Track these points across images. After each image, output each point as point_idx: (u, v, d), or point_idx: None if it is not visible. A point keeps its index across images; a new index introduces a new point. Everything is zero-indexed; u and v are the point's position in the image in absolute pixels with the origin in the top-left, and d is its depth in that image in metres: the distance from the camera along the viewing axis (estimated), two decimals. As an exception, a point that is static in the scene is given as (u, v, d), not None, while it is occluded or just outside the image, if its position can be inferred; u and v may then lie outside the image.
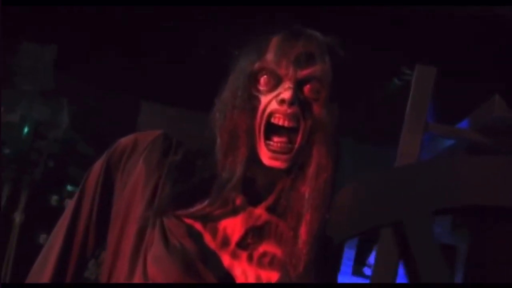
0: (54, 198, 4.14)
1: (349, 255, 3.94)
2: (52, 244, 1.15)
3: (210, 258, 1.05)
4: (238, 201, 1.09)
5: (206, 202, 1.07)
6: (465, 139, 2.41)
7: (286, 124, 1.07)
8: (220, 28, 3.06)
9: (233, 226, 1.08)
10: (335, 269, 1.21)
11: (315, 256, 1.05)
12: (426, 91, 2.26)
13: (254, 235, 1.08)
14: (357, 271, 4.03)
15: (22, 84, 4.06)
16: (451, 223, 3.57)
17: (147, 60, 3.82)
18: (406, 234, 1.73)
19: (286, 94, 1.06)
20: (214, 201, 1.07)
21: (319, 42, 1.10)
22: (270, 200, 1.10)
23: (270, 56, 1.09)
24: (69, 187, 4.20)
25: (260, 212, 1.10)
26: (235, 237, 1.07)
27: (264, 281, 1.05)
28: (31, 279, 1.14)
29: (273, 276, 1.05)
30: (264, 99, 1.09)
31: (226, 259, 1.06)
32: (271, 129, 1.08)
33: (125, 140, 1.16)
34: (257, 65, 1.10)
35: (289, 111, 1.06)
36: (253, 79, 1.10)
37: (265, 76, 1.09)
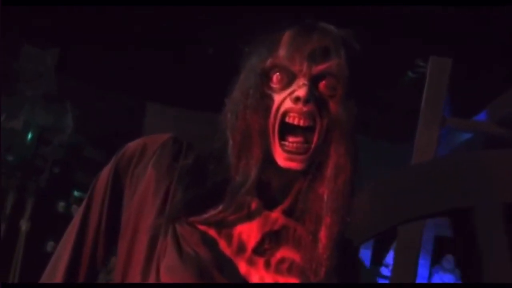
0: (61, 205, 4.14)
1: (365, 255, 3.91)
2: (61, 255, 1.13)
3: (225, 266, 1.02)
4: (253, 205, 1.07)
5: (220, 208, 1.04)
6: (484, 132, 2.38)
7: (301, 123, 1.04)
8: (228, 24, 3.04)
9: (249, 232, 1.05)
10: (357, 273, 1.18)
11: (336, 261, 1.02)
12: (442, 83, 2.23)
13: (271, 240, 1.06)
14: (374, 272, 4.00)
15: (25, 89, 4.06)
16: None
17: (151, 60, 3.81)
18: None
19: (301, 92, 1.03)
20: (228, 206, 1.04)
21: (334, 36, 1.07)
22: (286, 203, 1.08)
23: (282, 52, 1.06)
24: (76, 193, 4.20)
25: (276, 216, 1.07)
26: (251, 243, 1.05)
27: None
28: None
29: None
30: (277, 98, 1.06)
31: (242, 266, 1.03)
32: (286, 129, 1.05)
33: (133, 145, 1.14)
34: (269, 62, 1.07)
35: (304, 109, 1.03)
36: (265, 76, 1.07)
37: (277, 73, 1.07)
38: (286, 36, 1.07)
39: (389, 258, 4.06)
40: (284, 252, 1.06)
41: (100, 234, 1.13)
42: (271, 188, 1.08)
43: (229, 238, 1.05)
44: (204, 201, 1.05)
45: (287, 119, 1.05)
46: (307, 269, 1.02)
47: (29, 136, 3.96)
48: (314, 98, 1.04)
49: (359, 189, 1.33)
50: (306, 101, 1.03)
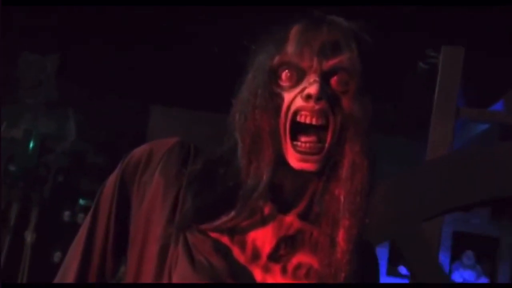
0: (67, 214, 4.15)
1: (381, 254, 3.88)
2: (68, 267, 1.12)
3: (240, 274, 1.00)
4: (267, 209, 1.04)
5: (232, 213, 1.02)
6: (500, 122, 2.35)
7: (314, 122, 1.02)
8: (233, 22, 3.03)
9: (263, 237, 1.03)
10: (377, 277, 1.16)
11: (356, 265, 1.00)
12: (455, 73, 2.20)
13: (286, 245, 1.04)
14: (391, 271, 3.98)
15: (25, 97, 4.07)
16: (489, 213, 3.52)
17: (153, 61, 3.81)
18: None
19: (312, 89, 1.00)
20: (240, 211, 1.02)
21: (344, 29, 1.05)
22: (301, 206, 1.05)
23: (290, 48, 1.04)
24: (81, 201, 4.20)
25: (291, 220, 1.05)
26: (266, 249, 1.03)
27: None
28: None
29: None
30: (287, 96, 1.04)
31: (258, 274, 1.01)
32: (298, 129, 1.03)
33: (139, 151, 1.12)
34: (276, 59, 1.04)
35: (316, 107, 1.01)
36: (274, 74, 1.05)
37: (286, 71, 1.04)
38: (294, 31, 1.05)
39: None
40: (301, 258, 1.04)
41: (108, 245, 1.11)
42: (285, 191, 1.06)
43: (242, 245, 1.03)
44: (215, 208, 1.03)
45: (298, 118, 1.02)
46: (326, 275, 1.00)
47: (31, 145, 3.96)
48: (326, 95, 1.01)
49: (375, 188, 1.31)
50: (318, 98, 1.00)
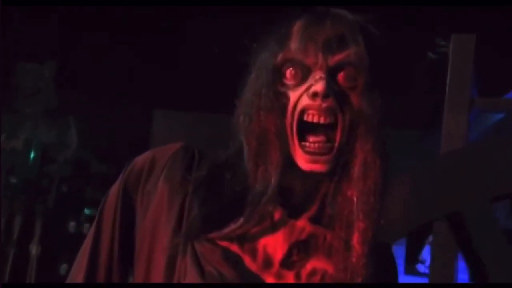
0: (72, 225, 4.15)
1: (398, 253, 3.86)
2: (73, 280, 1.11)
3: (252, 283, 0.99)
4: (277, 214, 1.03)
5: (240, 220, 1.01)
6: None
7: (321, 120, 1.00)
8: (233, 22, 3.01)
9: (274, 244, 1.02)
10: (395, 279, 1.15)
11: (372, 269, 0.98)
12: (467, 62, 2.18)
13: (299, 251, 1.02)
14: (410, 270, 3.95)
15: (24, 106, 4.07)
16: (509, 207, 3.49)
17: (153, 64, 3.80)
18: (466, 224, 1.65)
19: (318, 86, 0.99)
20: (249, 218, 1.01)
21: (349, 22, 1.03)
22: (313, 209, 1.04)
23: (294, 45, 1.02)
24: (86, 211, 4.21)
25: (303, 224, 1.04)
26: (278, 255, 1.02)
27: None
28: None
29: None
30: (293, 95, 1.02)
31: (270, 282, 1.00)
32: (305, 128, 1.01)
33: (141, 159, 1.11)
34: (280, 57, 1.03)
35: (323, 105, 0.99)
36: (278, 73, 1.03)
37: (291, 68, 1.03)
38: (297, 27, 1.04)
39: (425, 253, 4.02)
40: (315, 263, 1.02)
41: (114, 258, 1.10)
42: (295, 194, 1.04)
43: (253, 253, 1.01)
44: (223, 215, 1.02)
45: (305, 118, 1.01)
46: (342, 280, 0.99)
47: (32, 155, 3.96)
48: (333, 92, 1.00)
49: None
50: (325, 96, 0.99)
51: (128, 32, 3.64)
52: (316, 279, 1.01)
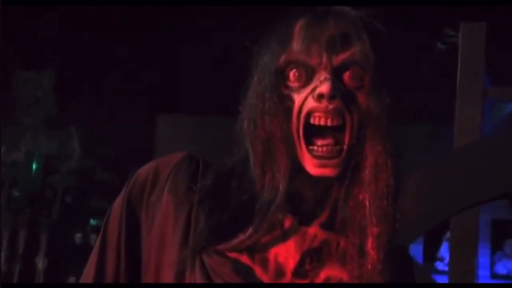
0: (78, 236, 4.16)
1: (416, 251, 3.84)
2: None
3: None
4: (287, 222, 1.02)
5: (249, 230, 1.00)
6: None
7: (329, 123, 0.99)
8: (233, 24, 3.01)
9: (286, 253, 1.01)
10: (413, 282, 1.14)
11: (389, 275, 0.97)
12: (477, 51, 2.16)
13: (312, 259, 1.01)
14: (428, 267, 3.93)
15: (23, 117, 4.08)
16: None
17: (155, 69, 3.80)
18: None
19: (324, 87, 0.98)
20: (258, 227, 1.00)
21: (353, 19, 1.02)
22: (324, 215, 1.03)
23: (296, 45, 1.01)
24: (92, 221, 4.21)
25: (314, 231, 1.02)
26: (290, 265, 1.00)
27: None
28: None
29: None
30: (297, 98, 1.01)
31: None
32: (312, 131, 1.00)
33: (145, 170, 1.10)
34: (282, 59, 1.02)
35: (330, 107, 0.98)
36: (281, 75, 1.02)
37: (294, 70, 1.01)
38: (299, 27, 1.02)
39: (444, 250, 3.99)
40: (329, 271, 1.01)
41: (121, 273, 1.09)
42: (304, 200, 1.03)
43: (264, 263, 1.00)
44: (231, 225, 1.01)
45: (312, 121, 1.00)
46: None
47: (34, 166, 3.97)
48: (339, 92, 0.99)
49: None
50: (331, 97, 0.98)
51: (129, 35, 3.64)
52: None
